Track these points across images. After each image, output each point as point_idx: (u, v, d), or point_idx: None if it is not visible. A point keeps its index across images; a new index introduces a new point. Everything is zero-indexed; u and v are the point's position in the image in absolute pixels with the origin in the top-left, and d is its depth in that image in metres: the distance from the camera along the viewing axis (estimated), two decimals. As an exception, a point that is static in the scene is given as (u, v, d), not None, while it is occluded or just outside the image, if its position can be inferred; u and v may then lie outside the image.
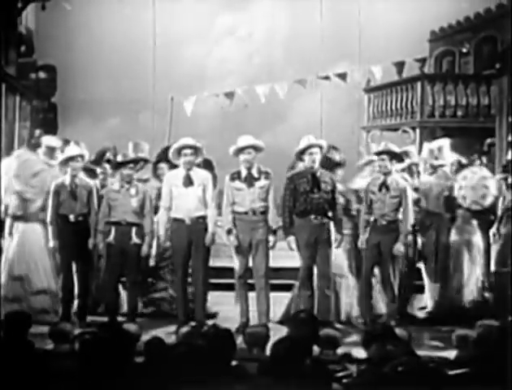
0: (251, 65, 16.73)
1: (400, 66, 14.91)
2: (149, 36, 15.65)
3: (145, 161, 9.49)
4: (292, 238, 8.90)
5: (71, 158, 9.21)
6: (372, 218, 8.92)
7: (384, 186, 8.89)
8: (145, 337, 6.37)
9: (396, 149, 9.08)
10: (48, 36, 14.69)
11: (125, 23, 15.68)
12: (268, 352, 5.68)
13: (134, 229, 9.01)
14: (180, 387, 4.96)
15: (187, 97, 15.35)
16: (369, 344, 5.80)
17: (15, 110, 13.29)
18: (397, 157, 9.02)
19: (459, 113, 15.32)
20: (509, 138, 12.97)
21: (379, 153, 8.98)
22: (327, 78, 15.02)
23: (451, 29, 16.71)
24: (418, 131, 15.40)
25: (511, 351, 5.34)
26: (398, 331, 6.18)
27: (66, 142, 10.33)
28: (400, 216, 8.90)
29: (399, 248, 8.85)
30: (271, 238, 8.90)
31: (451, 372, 5.32)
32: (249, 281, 8.99)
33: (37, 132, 13.58)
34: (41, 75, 14.53)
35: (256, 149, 8.91)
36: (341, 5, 15.58)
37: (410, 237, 9.16)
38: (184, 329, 6.48)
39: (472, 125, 15.01)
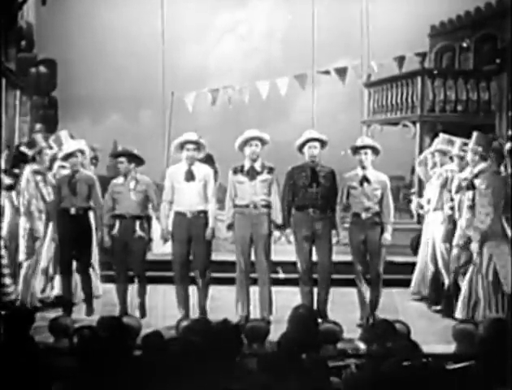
0: (251, 62, 16.71)
1: (400, 60, 14.92)
2: (150, 33, 15.64)
3: (137, 157, 9.37)
4: (289, 231, 8.99)
5: (70, 154, 9.35)
6: (352, 213, 9.01)
7: (364, 180, 8.98)
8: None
9: (374, 143, 9.18)
10: (48, 31, 14.67)
11: (126, 19, 15.66)
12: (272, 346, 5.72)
13: (138, 222, 9.11)
14: (180, 383, 4.97)
15: (187, 93, 15.36)
16: (369, 340, 5.81)
17: (16, 105, 13.30)
18: (376, 150, 9.10)
19: (459, 108, 15.31)
20: (509, 133, 12.98)
21: (361, 148, 9.04)
22: (327, 73, 15.04)
23: (451, 24, 16.68)
24: (418, 125, 15.39)
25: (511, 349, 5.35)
26: (398, 325, 6.20)
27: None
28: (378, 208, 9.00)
29: (387, 237, 8.97)
30: (274, 233, 8.95)
31: (450, 367, 5.34)
32: (252, 275, 9.06)
33: (37, 126, 13.61)
34: (42, 70, 14.51)
35: (262, 141, 8.99)
36: (341, 0, 15.58)
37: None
38: (184, 323, 6.50)
39: (472, 120, 14.99)
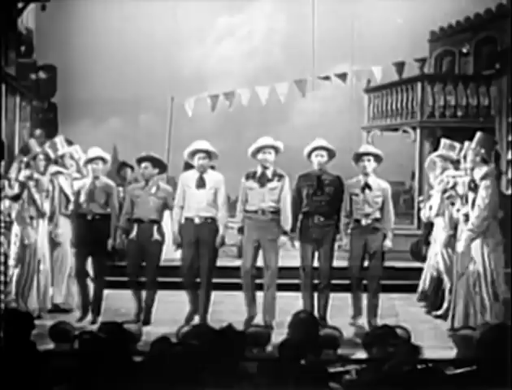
0: (251, 65, 16.73)
1: (400, 66, 14.92)
2: (149, 36, 15.65)
3: (161, 162, 9.51)
4: (292, 235, 9.11)
5: (91, 161, 9.43)
6: (353, 219, 9.07)
7: (366, 186, 9.08)
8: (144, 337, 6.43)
9: (377, 150, 9.26)
10: (48, 37, 14.69)
11: (125, 23, 15.68)
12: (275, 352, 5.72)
13: (155, 226, 9.21)
14: (182, 385, 4.97)
15: (187, 97, 15.36)
16: (370, 345, 5.81)
17: (15, 110, 13.30)
18: (378, 158, 9.18)
19: (459, 113, 15.32)
20: (509, 138, 13.00)
21: (363, 155, 9.11)
22: (327, 78, 15.04)
23: (451, 29, 16.70)
24: (418, 131, 15.41)
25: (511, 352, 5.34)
26: (398, 330, 6.20)
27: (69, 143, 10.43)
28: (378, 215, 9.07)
29: (388, 244, 9.06)
30: (282, 238, 9.00)
31: (450, 372, 5.33)
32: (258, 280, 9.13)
33: (37, 131, 13.61)
34: (41, 75, 14.52)
35: (275, 149, 9.09)
36: (341, 5, 15.58)
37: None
38: (185, 329, 6.50)
39: (472, 125, 15.00)
